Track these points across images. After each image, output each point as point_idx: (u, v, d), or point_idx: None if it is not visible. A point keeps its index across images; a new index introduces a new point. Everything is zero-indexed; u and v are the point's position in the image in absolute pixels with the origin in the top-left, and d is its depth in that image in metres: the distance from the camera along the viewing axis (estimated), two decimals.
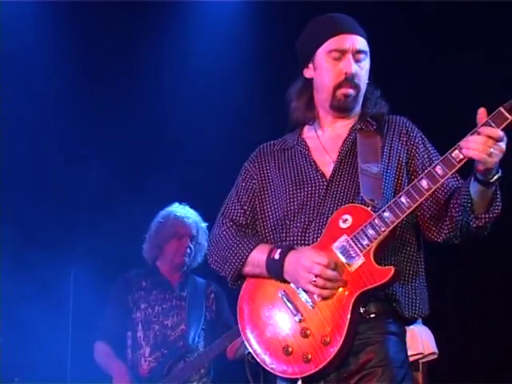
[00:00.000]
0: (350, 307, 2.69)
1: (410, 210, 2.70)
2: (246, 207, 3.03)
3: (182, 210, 5.25)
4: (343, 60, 2.93)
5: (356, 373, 2.74)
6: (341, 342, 2.67)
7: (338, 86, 2.93)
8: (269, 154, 3.10)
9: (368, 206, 2.77)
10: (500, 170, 2.65)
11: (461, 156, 2.63)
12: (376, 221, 2.71)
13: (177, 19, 6.47)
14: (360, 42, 2.96)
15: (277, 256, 2.81)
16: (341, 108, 2.98)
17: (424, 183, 2.67)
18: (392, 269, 2.68)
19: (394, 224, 2.70)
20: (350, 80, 2.92)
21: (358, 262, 2.71)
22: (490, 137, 2.56)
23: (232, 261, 2.93)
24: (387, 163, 2.91)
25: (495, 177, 2.64)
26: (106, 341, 5.07)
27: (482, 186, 2.67)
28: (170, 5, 6.36)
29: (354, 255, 2.72)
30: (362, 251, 2.71)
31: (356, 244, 2.72)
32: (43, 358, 5.89)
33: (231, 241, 2.96)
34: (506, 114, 2.58)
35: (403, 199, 2.69)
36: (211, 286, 5.25)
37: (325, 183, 2.91)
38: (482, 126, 2.59)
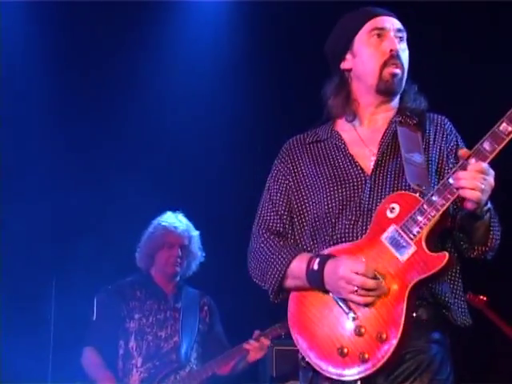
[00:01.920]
0: (405, 299, 2.54)
1: (458, 193, 2.55)
2: (281, 212, 2.90)
3: (173, 219, 5.19)
4: (385, 39, 2.84)
5: (403, 382, 2.62)
6: (398, 336, 2.52)
7: (384, 65, 2.82)
8: (300, 148, 2.97)
9: (415, 193, 2.63)
10: (489, 202, 2.56)
11: (509, 128, 2.49)
12: (425, 206, 2.56)
13: (170, 20, 6.44)
14: (400, 24, 2.89)
15: (316, 266, 2.67)
16: (388, 90, 2.86)
17: (472, 161, 2.52)
18: (446, 254, 2.53)
19: (444, 207, 2.55)
20: (395, 57, 2.82)
21: (410, 251, 2.56)
22: (478, 172, 2.47)
23: (272, 274, 2.80)
24: (429, 156, 2.81)
25: (484, 209, 2.56)
26: (96, 348, 5.00)
27: (471, 218, 2.59)
28: (163, 5, 6.33)
29: (404, 244, 2.58)
30: (412, 239, 2.57)
31: (406, 232, 2.58)
32: (24, 362, 5.73)
33: (270, 253, 2.83)
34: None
35: (451, 180, 2.55)
36: (204, 298, 5.21)
37: (367, 178, 2.79)
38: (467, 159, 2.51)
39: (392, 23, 2.87)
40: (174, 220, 5.18)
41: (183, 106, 6.32)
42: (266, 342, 4.96)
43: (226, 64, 6.26)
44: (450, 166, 2.81)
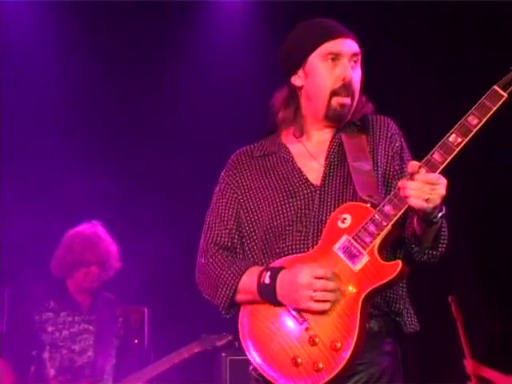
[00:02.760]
0: (359, 308, 2.55)
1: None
2: (230, 226, 2.88)
3: (91, 234, 5.10)
4: (339, 65, 2.82)
5: None
6: (353, 345, 2.53)
7: (335, 93, 2.81)
8: (248, 161, 2.96)
9: (366, 203, 2.66)
10: (444, 208, 2.59)
11: (459, 140, 2.54)
12: (377, 216, 2.60)
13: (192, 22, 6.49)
14: (355, 46, 2.87)
15: (267, 280, 2.67)
16: (335, 118, 2.86)
17: (423, 172, 2.55)
18: (399, 262, 2.56)
19: (396, 217, 2.58)
20: (347, 87, 2.81)
21: (363, 260, 2.59)
22: (425, 182, 2.50)
23: (223, 290, 2.78)
24: (376, 161, 2.84)
25: (438, 215, 2.59)
26: (7, 359, 4.91)
27: (425, 224, 2.61)
28: (185, 5, 6.37)
29: (357, 254, 2.60)
30: (365, 249, 2.59)
31: (358, 242, 2.60)
32: None
33: (220, 268, 2.81)
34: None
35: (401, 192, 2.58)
36: (120, 307, 5.14)
37: (316, 190, 2.80)
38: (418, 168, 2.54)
39: (349, 46, 2.84)
40: (93, 236, 5.08)
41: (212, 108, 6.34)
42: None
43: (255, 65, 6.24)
44: (397, 168, 2.85)
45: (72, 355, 4.88)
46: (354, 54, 2.85)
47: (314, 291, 2.56)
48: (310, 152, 2.89)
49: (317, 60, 2.84)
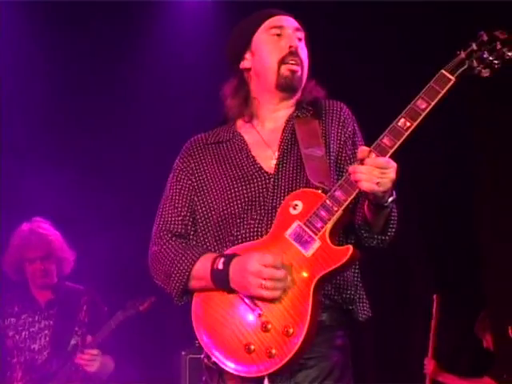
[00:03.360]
0: (311, 294, 2.55)
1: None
2: (184, 213, 2.88)
3: (27, 231, 5.05)
4: (284, 37, 2.87)
5: None
6: (305, 330, 2.53)
7: (283, 61, 2.85)
8: (202, 148, 2.96)
9: (318, 189, 2.67)
10: (394, 193, 2.60)
11: (408, 124, 2.55)
12: (328, 201, 2.60)
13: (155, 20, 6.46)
14: (297, 23, 2.92)
15: (220, 266, 2.66)
16: (287, 86, 2.88)
17: (373, 156, 2.56)
18: (350, 247, 2.57)
19: (347, 202, 2.59)
20: (294, 54, 2.84)
21: (314, 245, 2.59)
22: (375, 166, 2.51)
23: (176, 277, 2.77)
24: (328, 147, 2.84)
25: (389, 200, 2.59)
26: None
27: (376, 208, 2.62)
28: (155, 4, 6.35)
29: (308, 240, 2.60)
30: (316, 234, 2.59)
31: (310, 228, 2.61)
32: None
33: (173, 255, 2.79)
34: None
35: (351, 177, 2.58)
36: (85, 295, 5.04)
37: (270, 178, 2.81)
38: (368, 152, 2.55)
39: (291, 22, 2.91)
40: (28, 232, 5.04)
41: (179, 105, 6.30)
42: (93, 352, 4.81)
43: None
44: (349, 152, 2.86)
45: (33, 354, 4.87)
46: (297, 29, 2.90)
47: (263, 279, 2.55)
48: (264, 140, 2.90)
49: (261, 35, 2.90)
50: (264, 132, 2.92)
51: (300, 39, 2.91)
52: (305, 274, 2.57)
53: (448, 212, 6.37)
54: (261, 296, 2.57)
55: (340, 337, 2.76)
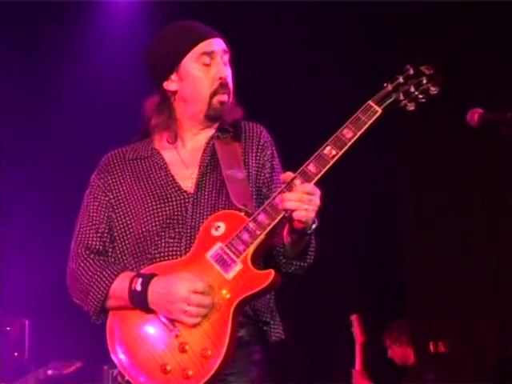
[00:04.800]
0: (231, 317, 2.56)
1: (284, 212, 2.60)
2: (101, 229, 2.83)
3: None
4: (214, 65, 2.83)
5: None
6: (223, 353, 2.54)
7: (214, 93, 2.82)
8: (120, 164, 2.90)
9: (241, 212, 2.67)
10: (316, 221, 2.63)
11: (333, 152, 2.58)
12: (251, 225, 2.61)
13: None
14: (224, 44, 2.89)
15: (138, 287, 2.63)
16: (217, 116, 2.86)
17: (298, 183, 2.59)
18: (272, 271, 2.58)
19: (270, 226, 2.60)
20: (224, 85, 2.82)
21: (236, 268, 2.59)
22: (304, 193, 2.53)
23: (93, 296, 2.72)
24: (248, 169, 2.85)
25: (313, 227, 2.62)
26: None
27: (297, 235, 2.64)
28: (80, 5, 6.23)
29: (230, 262, 2.60)
30: (238, 257, 2.60)
31: (231, 250, 2.61)
32: None
33: (91, 273, 2.74)
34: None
35: (277, 200, 2.59)
36: None
37: (190, 198, 2.79)
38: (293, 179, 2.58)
39: (219, 45, 2.86)
40: None
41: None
42: None
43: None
44: (267, 176, 2.87)
45: None
46: (225, 52, 2.87)
47: (189, 305, 2.55)
48: (183, 159, 2.87)
49: (191, 63, 2.83)
50: (184, 151, 2.89)
51: (226, 63, 2.87)
52: (225, 297, 2.57)
53: (372, 233, 6.50)
54: (182, 321, 2.57)
55: (258, 352, 2.76)
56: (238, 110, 2.93)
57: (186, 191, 2.80)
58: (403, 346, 6.29)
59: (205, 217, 2.73)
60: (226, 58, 2.88)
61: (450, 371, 5.76)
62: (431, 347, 5.79)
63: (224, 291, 2.58)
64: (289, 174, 2.61)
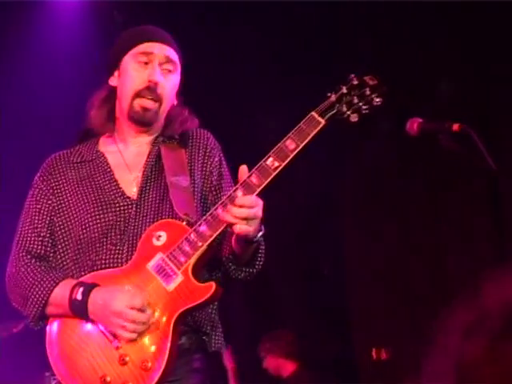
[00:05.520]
0: (171, 328, 2.54)
1: (227, 223, 2.57)
2: (43, 233, 2.78)
3: None
4: (149, 67, 2.79)
5: None
6: (163, 366, 2.52)
7: (138, 95, 2.78)
8: (64, 167, 2.86)
9: (182, 221, 2.64)
10: (263, 227, 2.62)
11: (276, 164, 2.56)
12: (192, 236, 2.58)
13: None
14: (171, 53, 2.83)
15: (79, 296, 2.60)
16: (138, 120, 2.82)
17: (240, 194, 2.56)
18: (213, 284, 2.57)
19: (212, 238, 2.58)
20: (151, 90, 2.77)
21: (177, 280, 2.57)
22: (245, 206, 2.52)
23: (33, 301, 2.69)
24: (193, 177, 2.82)
25: (258, 235, 2.61)
26: None
27: (244, 244, 2.63)
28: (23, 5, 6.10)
29: (171, 273, 2.58)
30: (179, 268, 2.57)
31: (173, 261, 2.58)
32: None
33: (32, 278, 2.71)
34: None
35: (220, 211, 2.57)
36: None
37: (133, 204, 2.75)
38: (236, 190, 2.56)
39: (162, 50, 2.80)
40: None
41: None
42: None
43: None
44: (215, 183, 2.84)
45: None
46: (169, 60, 2.82)
47: (125, 320, 2.52)
48: (127, 163, 2.84)
49: (129, 60, 2.82)
50: (128, 154, 2.86)
51: (170, 71, 2.82)
52: (165, 309, 2.55)
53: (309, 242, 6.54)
54: (119, 335, 2.55)
55: (198, 359, 2.74)
56: (193, 122, 2.90)
57: (129, 197, 2.76)
58: (277, 357, 6.29)
59: (148, 224, 2.70)
60: (170, 67, 2.82)
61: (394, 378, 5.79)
62: (373, 354, 5.82)
63: (165, 303, 2.56)
64: (244, 169, 2.58)
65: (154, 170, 2.81)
